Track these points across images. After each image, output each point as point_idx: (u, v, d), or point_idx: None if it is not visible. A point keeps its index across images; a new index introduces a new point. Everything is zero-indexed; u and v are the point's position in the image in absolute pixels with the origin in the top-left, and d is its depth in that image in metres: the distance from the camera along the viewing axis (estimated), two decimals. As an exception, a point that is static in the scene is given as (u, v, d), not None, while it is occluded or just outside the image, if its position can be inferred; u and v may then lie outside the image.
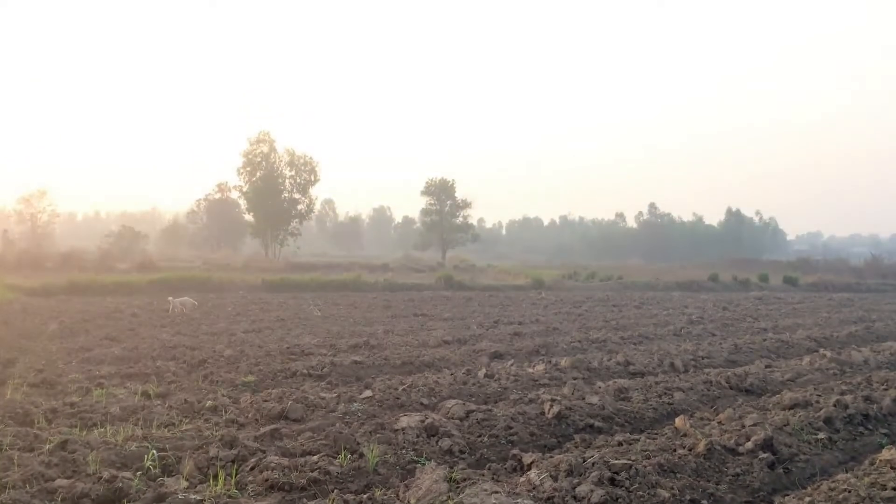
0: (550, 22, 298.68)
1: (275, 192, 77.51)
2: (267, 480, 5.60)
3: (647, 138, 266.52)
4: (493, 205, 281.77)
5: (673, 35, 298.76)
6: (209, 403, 8.40)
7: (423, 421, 7.20)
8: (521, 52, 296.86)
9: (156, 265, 49.18)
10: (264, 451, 6.37)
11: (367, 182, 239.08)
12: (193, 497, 5.15)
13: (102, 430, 7.19)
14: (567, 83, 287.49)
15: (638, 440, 6.78)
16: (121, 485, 5.39)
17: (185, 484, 5.54)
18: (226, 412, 8.07)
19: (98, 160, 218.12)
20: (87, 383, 9.72)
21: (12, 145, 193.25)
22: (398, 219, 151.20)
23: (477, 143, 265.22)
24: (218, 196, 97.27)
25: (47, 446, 6.44)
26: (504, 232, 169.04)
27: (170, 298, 22.62)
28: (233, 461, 6.06)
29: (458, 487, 5.37)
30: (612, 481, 5.36)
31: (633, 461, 5.72)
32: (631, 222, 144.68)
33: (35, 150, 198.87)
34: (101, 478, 5.51)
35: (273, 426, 7.21)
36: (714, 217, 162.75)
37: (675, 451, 6.29)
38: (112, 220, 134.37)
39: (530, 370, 11.05)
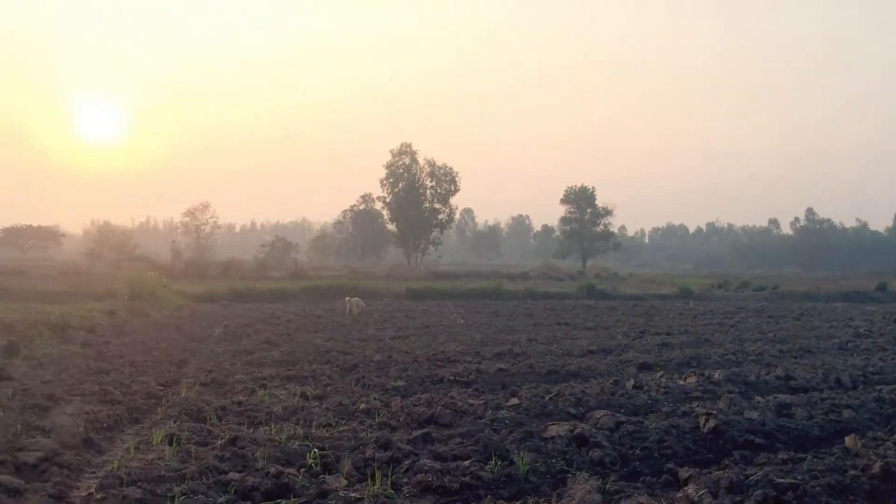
0: (692, 20, 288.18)
1: (416, 202, 79.43)
2: (421, 483, 5.74)
3: (803, 139, 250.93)
4: (635, 212, 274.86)
5: (836, 27, 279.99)
6: (363, 406, 8.72)
7: (571, 430, 7.13)
8: (663, 52, 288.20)
9: (306, 273, 51.71)
10: (417, 454, 6.53)
11: (506, 191, 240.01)
12: (353, 495, 5.37)
13: (267, 428, 7.63)
14: (712, 82, 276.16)
15: (804, 459, 6.39)
16: (286, 480, 5.71)
17: (344, 482, 5.78)
18: (378, 415, 8.34)
19: (254, 175, 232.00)
20: (251, 384, 10.35)
21: (182, 164, 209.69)
22: (537, 227, 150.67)
23: (617, 149, 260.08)
24: (362, 207, 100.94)
25: (219, 441, 6.93)
26: (647, 240, 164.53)
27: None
28: (387, 462, 6.26)
29: (612, 500, 5.28)
30: (778, 501, 5.08)
31: (801, 481, 5.40)
32: (786, 229, 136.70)
33: (199, 165, 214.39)
34: (269, 473, 5.86)
35: (424, 430, 7.39)
36: (881, 222, 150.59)
37: (845, 471, 5.87)
38: (266, 231, 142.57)
39: (681, 382, 10.68)
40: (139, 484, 5.58)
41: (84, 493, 5.67)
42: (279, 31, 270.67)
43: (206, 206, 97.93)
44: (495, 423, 7.92)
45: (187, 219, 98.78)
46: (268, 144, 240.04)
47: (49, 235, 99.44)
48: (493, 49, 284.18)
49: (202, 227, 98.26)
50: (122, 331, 18.28)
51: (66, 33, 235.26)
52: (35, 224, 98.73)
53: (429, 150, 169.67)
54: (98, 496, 5.35)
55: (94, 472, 6.48)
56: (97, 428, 7.83)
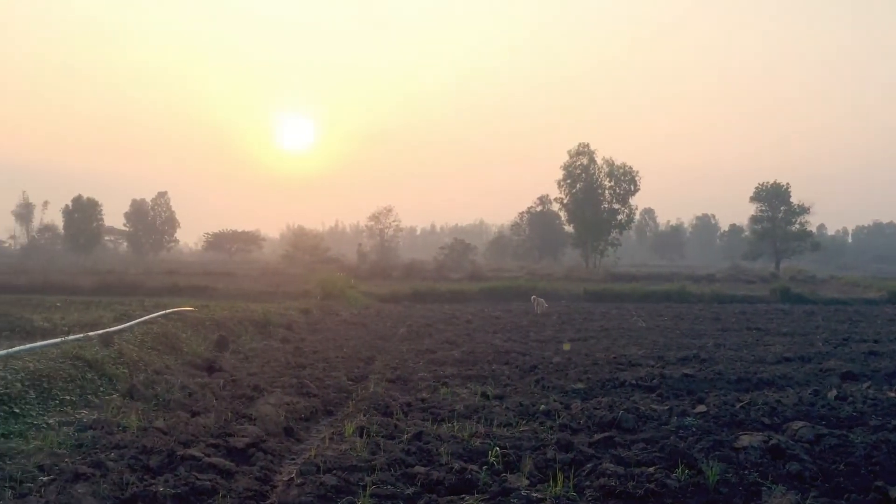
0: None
1: (594, 202, 78.09)
2: (603, 487, 5.64)
3: None
4: (836, 210, 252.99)
5: None
6: (542, 407, 8.72)
7: (766, 441, 6.71)
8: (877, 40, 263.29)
9: (484, 275, 52.42)
10: (599, 458, 6.43)
11: (689, 189, 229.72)
12: (535, 495, 5.39)
13: (449, 424, 7.84)
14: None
15: None
16: (469, 476, 5.83)
17: (525, 482, 5.81)
18: (559, 417, 8.30)
19: (434, 179, 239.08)
20: (433, 382, 10.68)
21: (366, 170, 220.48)
22: (724, 227, 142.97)
23: (815, 141, 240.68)
24: (539, 209, 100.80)
25: (405, 436, 7.21)
26: (850, 240, 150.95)
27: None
28: (569, 464, 6.21)
29: (813, 517, 4.91)
30: None
31: None
32: None
33: (383, 171, 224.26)
34: (453, 468, 6.02)
35: (606, 434, 7.26)
36: None
37: None
38: (446, 234, 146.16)
39: (892, 394, 9.71)
40: (334, 472, 5.93)
41: (286, 478, 6.12)
42: (461, 38, 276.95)
43: (389, 210, 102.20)
44: (681, 431, 7.62)
45: (372, 222, 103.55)
46: (447, 148, 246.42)
47: (251, 239, 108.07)
48: (674, 43, 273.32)
49: (386, 231, 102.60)
50: (315, 328, 19.54)
51: (270, 51, 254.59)
52: (239, 229, 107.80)
53: (608, 150, 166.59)
54: (298, 481, 5.76)
55: (293, 459, 6.99)
56: (296, 418, 8.43)
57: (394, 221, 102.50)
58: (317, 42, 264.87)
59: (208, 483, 5.65)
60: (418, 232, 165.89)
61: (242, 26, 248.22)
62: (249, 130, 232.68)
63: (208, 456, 6.35)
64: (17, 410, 7.25)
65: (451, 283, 44.66)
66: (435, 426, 7.79)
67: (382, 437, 7.21)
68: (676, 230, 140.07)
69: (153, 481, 5.61)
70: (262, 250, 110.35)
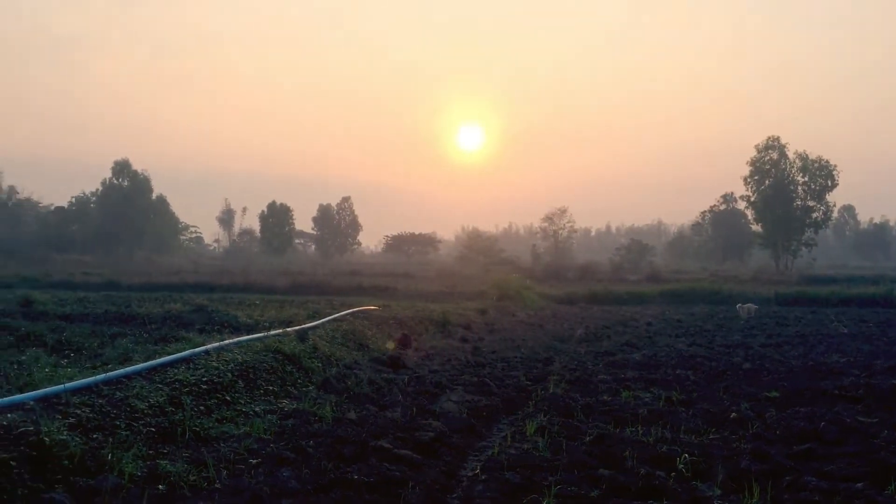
0: None
1: (786, 199, 73.15)
2: (806, 502, 5.27)
3: None
4: None
5: None
6: (733, 415, 8.27)
7: None
8: None
9: (663, 276, 50.70)
10: (798, 471, 6.01)
11: None
12: (729, 506, 5.13)
13: (633, 429, 7.65)
14: None
15: None
16: (657, 482, 5.66)
17: (718, 491, 5.55)
18: (751, 426, 7.84)
19: (609, 179, 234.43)
20: (614, 384, 10.46)
21: (538, 172, 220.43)
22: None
23: None
24: (723, 207, 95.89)
25: (587, 438, 7.13)
26: None
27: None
28: (766, 476, 5.86)
29: None
30: None
31: None
32: None
33: (555, 173, 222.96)
34: (639, 473, 5.87)
35: (805, 446, 6.77)
36: None
37: None
38: (622, 234, 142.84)
39: None
40: (517, 470, 5.98)
41: (470, 474, 6.26)
42: (641, 33, 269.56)
43: (563, 212, 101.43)
44: (893, 446, 6.94)
45: (546, 224, 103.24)
46: (620, 149, 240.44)
47: (428, 242, 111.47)
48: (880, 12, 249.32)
49: (559, 232, 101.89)
50: (492, 328, 19.79)
51: (450, 58, 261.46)
52: (417, 232, 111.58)
53: (800, 143, 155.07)
54: (483, 477, 5.86)
55: (476, 456, 7.12)
56: (477, 416, 8.58)
57: (568, 222, 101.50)
58: (489, 39, 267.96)
59: (398, 473, 5.89)
60: (593, 233, 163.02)
61: (420, 27, 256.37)
62: (425, 134, 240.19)
63: (397, 448, 6.62)
64: (228, 398, 7.95)
65: (628, 284, 43.58)
66: (617, 429, 7.63)
67: (564, 437, 7.18)
68: (881, 228, 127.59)
69: (348, 469, 5.94)
70: (438, 252, 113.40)
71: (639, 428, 7.65)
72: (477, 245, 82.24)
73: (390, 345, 14.23)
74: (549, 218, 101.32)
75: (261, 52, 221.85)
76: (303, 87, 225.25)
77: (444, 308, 21.33)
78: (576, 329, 19.45)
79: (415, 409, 8.49)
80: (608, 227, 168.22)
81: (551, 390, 9.88)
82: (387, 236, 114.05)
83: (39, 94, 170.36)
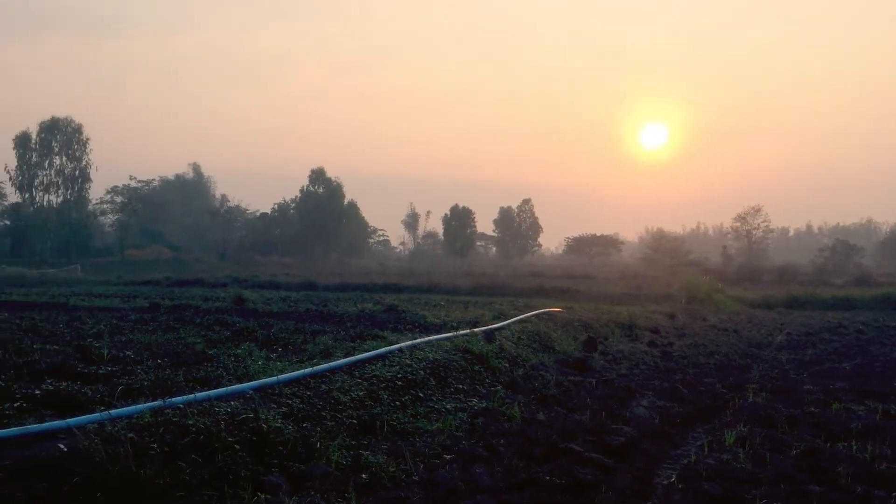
0: None
1: None
2: None
3: None
4: None
5: None
6: (968, 435, 7.39)
7: None
8: None
9: (875, 280, 46.36)
10: None
11: None
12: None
13: (845, 444, 7.05)
14: None
15: None
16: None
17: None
18: None
19: (811, 175, 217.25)
20: (821, 395, 9.70)
21: (730, 170, 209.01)
22: None
23: None
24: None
25: (794, 451, 6.66)
26: None
27: None
28: None
29: None
30: None
31: None
32: None
33: (749, 169, 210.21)
34: (855, 492, 5.41)
35: None
36: None
37: None
38: (825, 234, 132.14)
39: None
40: (717, 481, 5.72)
41: (665, 482, 6.06)
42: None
43: (757, 210, 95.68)
44: None
45: (738, 224, 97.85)
46: (822, 141, 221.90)
47: (610, 243, 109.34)
48: None
49: (753, 232, 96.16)
50: (682, 333, 19.02)
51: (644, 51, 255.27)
52: (598, 233, 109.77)
53: None
54: (679, 486, 5.66)
55: (670, 464, 6.88)
56: (669, 422, 8.29)
57: (763, 222, 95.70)
58: (673, 29, 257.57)
59: (589, 476, 5.83)
60: (791, 233, 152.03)
61: (597, 25, 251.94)
62: (606, 133, 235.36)
63: (587, 451, 6.55)
64: (421, 395, 8.26)
65: (833, 288, 40.19)
66: (827, 444, 7.06)
67: (767, 450, 6.76)
68: None
69: (538, 469, 5.96)
70: (620, 253, 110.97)
71: (852, 443, 7.03)
72: (662, 246, 79.56)
73: (575, 347, 14.11)
74: (741, 217, 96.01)
75: (441, 59, 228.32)
76: (483, 91, 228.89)
77: (629, 311, 20.79)
78: (774, 335, 18.23)
79: (604, 413, 8.36)
80: (808, 227, 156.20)
81: (750, 399, 9.34)
82: (567, 238, 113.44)
83: (245, 109, 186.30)
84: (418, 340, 10.40)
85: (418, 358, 9.28)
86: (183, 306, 17.87)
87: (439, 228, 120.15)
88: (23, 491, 4.14)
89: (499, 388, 9.57)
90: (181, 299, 20.82)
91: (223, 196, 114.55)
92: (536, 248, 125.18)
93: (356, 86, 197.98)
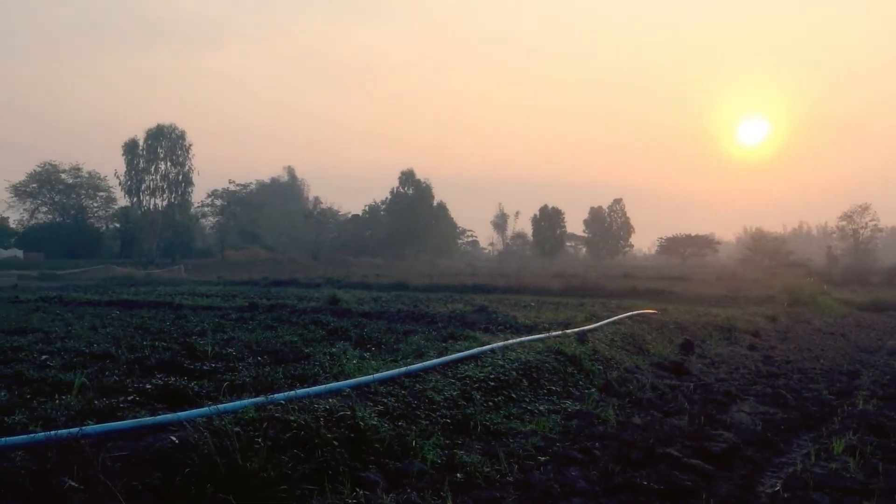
0: None
1: None
2: None
3: None
4: None
5: None
6: None
7: None
8: None
9: None
10: None
11: None
12: None
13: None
14: None
15: None
16: None
17: None
18: None
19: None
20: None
21: (834, 167, 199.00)
22: None
23: None
24: None
25: (912, 461, 6.30)
26: None
27: None
28: None
29: None
30: None
31: None
32: None
33: (856, 166, 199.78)
34: (981, 509, 5.07)
35: None
36: None
37: None
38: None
39: None
40: (825, 491, 5.47)
41: (769, 490, 5.83)
42: None
43: (865, 209, 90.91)
44: None
45: (844, 223, 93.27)
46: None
47: (705, 243, 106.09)
48: None
49: (860, 231, 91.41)
50: (784, 336, 18.26)
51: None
52: (693, 233, 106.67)
53: None
54: (785, 495, 5.44)
55: (774, 472, 6.61)
56: (773, 429, 7.97)
57: (871, 221, 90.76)
58: (772, 20, 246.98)
59: (689, 483, 5.68)
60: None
61: (692, 20, 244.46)
62: (700, 132, 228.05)
63: (685, 457, 6.38)
64: (514, 396, 8.23)
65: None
66: (950, 455, 6.63)
67: (879, 459, 6.40)
68: None
69: (635, 474, 5.84)
70: (716, 254, 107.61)
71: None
72: (762, 246, 76.64)
73: (671, 350, 13.76)
74: (847, 216, 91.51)
75: (530, 59, 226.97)
76: (573, 90, 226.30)
77: (727, 313, 20.10)
78: (885, 340, 17.24)
79: (702, 418, 8.12)
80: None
81: (860, 406, 8.87)
82: (660, 238, 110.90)
83: (337, 112, 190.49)
84: (510, 341, 10.37)
85: (510, 359, 9.26)
86: (280, 305, 18.44)
87: (528, 229, 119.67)
88: (139, 481, 4.37)
89: (592, 390, 9.44)
90: (278, 299, 21.46)
91: (316, 198, 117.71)
92: (628, 249, 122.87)
93: (446, 87, 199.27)
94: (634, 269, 66.38)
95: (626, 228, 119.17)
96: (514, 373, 8.78)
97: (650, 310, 18.33)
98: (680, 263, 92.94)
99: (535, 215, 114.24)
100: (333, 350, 10.05)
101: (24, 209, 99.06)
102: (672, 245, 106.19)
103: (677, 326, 16.17)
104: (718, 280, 47.20)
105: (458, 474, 5.60)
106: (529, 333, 12.05)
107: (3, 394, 6.56)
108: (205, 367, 8.34)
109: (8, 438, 4.39)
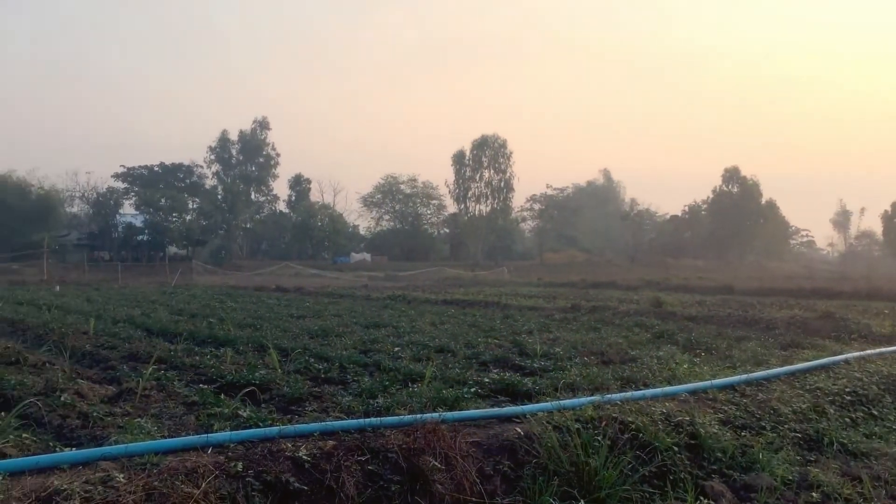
0: None
1: None
2: None
3: None
4: None
5: None
6: None
7: None
8: None
9: None
10: None
11: None
12: None
13: None
14: None
15: None
16: None
17: None
18: None
19: None
20: None
21: None
22: None
23: None
24: None
25: None
26: None
27: None
28: None
29: None
30: None
31: None
32: None
33: None
34: None
35: None
36: None
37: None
38: None
39: None
40: None
41: None
42: None
43: None
44: None
45: None
46: None
47: None
48: None
49: None
50: None
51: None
52: None
53: None
54: None
55: None
56: None
57: None
58: None
59: None
60: None
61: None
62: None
63: None
64: (874, 412, 7.27)
65: None
66: None
67: None
68: None
69: None
70: None
71: None
72: None
73: None
74: None
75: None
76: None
77: None
78: None
79: None
80: None
81: None
82: None
83: (652, 111, 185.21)
84: (868, 352, 9.19)
85: (869, 371, 8.20)
86: (601, 307, 18.46)
87: (877, 227, 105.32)
88: (490, 466, 4.64)
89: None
90: (597, 300, 21.52)
91: (632, 200, 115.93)
92: None
93: (771, 77, 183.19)
94: None
95: None
96: (874, 387, 7.75)
97: None
98: None
99: (886, 211, 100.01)
100: (660, 353, 9.79)
101: (371, 217, 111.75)
102: None
103: None
104: None
105: (814, 493, 5.08)
106: (889, 344, 10.56)
107: (367, 380, 7.45)
108: (534, 365, 8.64)
109: (384, 419, 4.95)
